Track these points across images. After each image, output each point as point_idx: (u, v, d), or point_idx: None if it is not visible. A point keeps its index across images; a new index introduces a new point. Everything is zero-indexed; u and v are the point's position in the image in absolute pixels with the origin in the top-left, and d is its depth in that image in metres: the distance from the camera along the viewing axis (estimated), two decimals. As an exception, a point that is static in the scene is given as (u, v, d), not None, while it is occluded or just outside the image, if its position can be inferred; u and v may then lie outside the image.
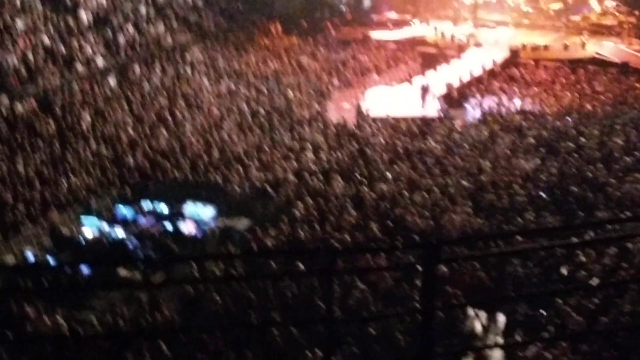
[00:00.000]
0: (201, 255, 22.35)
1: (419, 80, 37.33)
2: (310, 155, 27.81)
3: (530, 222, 21.56)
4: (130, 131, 30.04)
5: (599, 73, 37.45)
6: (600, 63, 38.88)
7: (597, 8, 44.28)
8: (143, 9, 39.99)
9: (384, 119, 32.41)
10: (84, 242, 23.39)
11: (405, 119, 32.04)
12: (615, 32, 42.79)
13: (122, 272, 20.14)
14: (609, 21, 43.56)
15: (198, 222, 24.20)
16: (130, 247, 22.98)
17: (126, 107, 32.37)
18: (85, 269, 19.29)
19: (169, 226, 24.03)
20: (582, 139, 27.70)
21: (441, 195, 23.83)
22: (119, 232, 23.57)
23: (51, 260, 22.48)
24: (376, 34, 45.04)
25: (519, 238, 17.81)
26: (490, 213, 22.77)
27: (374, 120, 32.30)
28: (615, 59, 39.27)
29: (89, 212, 25.12)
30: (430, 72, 38.83)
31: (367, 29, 45.91)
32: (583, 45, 40.87)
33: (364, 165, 26.62)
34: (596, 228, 18.12)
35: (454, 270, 18.40)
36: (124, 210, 24.71)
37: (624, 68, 37.69)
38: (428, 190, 24.24)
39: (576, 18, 44.69)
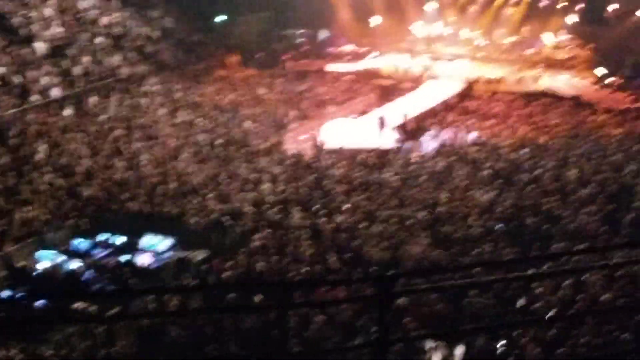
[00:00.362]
0: (157, 288, 22.16)
1: (375, 112, 37.55)
2: (267, 186, 27.79)
3: (487, 254, 21.69)
4: (86, 162, 29.81)
5: (553, 106, 37.89)
6: (554, 96, 39.37)
7: (550, 42, 44.87)
8: (99, 40, 39.84)
9: (341, 150, 32.52)
10: (39, 275, 23.09)
11: (362, 151, 32.16)
12: (568, 66, 43.38)
13: (78, 305, 19.89)
14: (562, 55, 44.18)
15: (154, 254, 24.04)
16: (86, 279, 22.73)
17: (82, 137, 32.14)
18: (40, 302, 19.04)
19: (125, 258, 23.83)
20: (538, 171, 27.99)
21: (398, 226, 23.91)
22: (75, 265, 23.32)
23: (6, 294, 22.17)
24: (333, 67, 45.28)
25: (476, 270, 17.89)
26: (448, 245, 22.88)
27: (331, 151, 32.39)
28: (569, 92, 39.80)
29: (44, 244, 24.84)
30: (386, 104, 39.04)
31: (324, 62, 46.14)
32: (537, 78, 41.39)
33: (321, 196, 26.64)
34: (552, 260, 18.28)
35: (412, 301, 18.42)
36: (80, 243, 24.48)
37: (578, 101, 38.19)
38: (385, 221, 24.32)
39: (530, 52, 45.26)
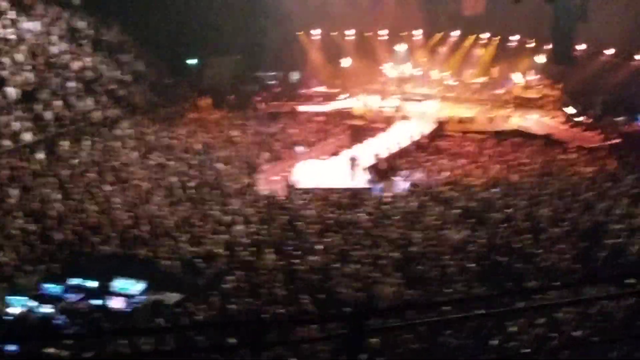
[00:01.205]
0: (130, 329, 21.97)
1: (347, 153, 37.72)
2: (240, 227, 27.76)
3: (460, 293, 21.73)
4: (58, 206, 29.66)
5: (524, 145, 38.20)
6: (525, 135, 39.70)
7: (520, 82, 45.30)
8: (71, 84, 39.82)
9: (313, 191, 32.61)
10: (10, 320, 22.85)
11: (334, 191, 32.26)
12: (538, 105, 43.76)
13: (50, 350, 19.67)
14: (532, 94, 44.55)
15: (127, 297, 23.86)
16: (58, 324, 22.52)
17: (54, 181, 32.00)
18: (11, 348, 18.82)
19: (97, 302, 23.64)
20: (510, 210, 28.15)
21: (372, 266, 23.93)
22: (47, 310, 23.10)
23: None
24: (304, 108, 45.45)
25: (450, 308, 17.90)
26: (421, 284, 22.90)
27: (303, 192, 32.46)
28: (539, 131, 40.15)
29: (15, 289, 24.61)
30: (358, 145, 39.22)
31: (296, 103, 46.33)
32: (507, 117, 41.74)
33: (294, 237, 26.63)
34: (526, 296, 18.32)
35: (386, 341, 18.40)
36: (52, 287, 24.26)
37: (548, 140, 38.51)
38: (359, 261, 24.33)
39: (500, 91, 45.64)
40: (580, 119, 40.92)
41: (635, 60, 41.95)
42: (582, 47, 43.65)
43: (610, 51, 42.78)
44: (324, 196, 31.70)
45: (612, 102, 41.64)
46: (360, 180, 34.68)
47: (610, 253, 24.30)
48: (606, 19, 41.41)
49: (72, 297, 24.04)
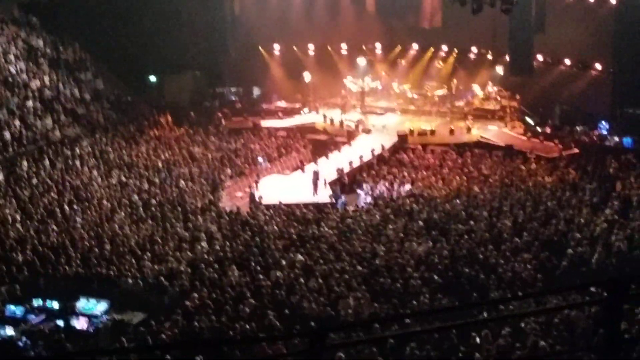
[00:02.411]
0: (93, 350, 21.78)
1: (310, 167, 37.74)
2: (204, 245, 27.65)
3: (424, 305, 21.78)
4: (19, 227, 29.36)
5: (485, 156, 38.42)
6: (486, 146, 39.93)
7: (480, 93, 45.56)
8: (30, 103, 39.49)
9: (277, 206, 32.58)
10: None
11: (298, 206, 32.26)
12: (498, 116, 44.05)
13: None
14: (492, 106, 44.83)
15: (90, 318, 23.66)
16: (21, 346, 22.27)
17: (14, 202, 31.69)
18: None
19: (60, 323, 23.42)
20: (472, 221, 28.29)
21: (336, 281, 23.93)
22: (9, 331, 22.84)
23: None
24: (267, 123, 45.40)
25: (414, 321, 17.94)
26: (385, 297, 22.94)
27: (267, 207, 32.42)
28: (500, 142, 40.41)
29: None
30: (321, 159, 39.25)
31: (258, 118, 46.25)
32: (468, 129, 41.94)
33: (258, 253, 26.57)
34: (489, 307, 18.40)
35: (351, 357, 18.38)
36: (14, 309, 24.01)
37: (509, 151, 38.77)
38: (323, 276, 24.32)
39: (460, 103, 45.86)
40: (540, 129, 41.23)
41: (592, 70, 42.38)
42: (540, 58, 43.99)
43: (568, 62, 43.18)
44: (288, 211, 31.70)
45: (571, 112, 42.00)
46: (324, 194, 34.69)
47: (572, 262, 24.49)
48: (563, 29, 41.81)
49: (35, 318, 23.80)
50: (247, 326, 21.40)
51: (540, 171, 35.37)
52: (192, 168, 37.36)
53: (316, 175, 35.51)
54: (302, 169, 37.99)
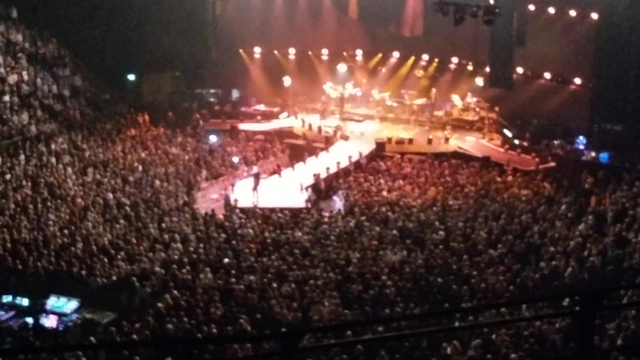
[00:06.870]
0: (60, 346, 21.64)
1: (287, 172, 37.66)
2: (177, 246, 27.52)
3: (397, 313, 21.77)
4: (-10, 222, 29.14)
5: (462, 167, 38.45)
6: (463, 157, 39.98)
7: (459, 104, 45.61)
8: (6, 98, 39.19)
9: (252, 209, 32.48)
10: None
11: (273, 210, 32.17)
12: (476, 127, 44.12)
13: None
14: (470, 116, 44.87)
15: (60, 316, 23.49)
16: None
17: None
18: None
19: (30, 320, 23.23)
20: (447, 231, 28.33)
21: (309, 286, 23.90)
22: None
23: None
24: (245, 126, 45.28)
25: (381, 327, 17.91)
26: (358, 304, 22.93)
27: (242, 211, 32.30)
28: (477, 153, 40.48)
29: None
30: (298, 164, 39.17)
31: (236, 121, 46.11)
32: (446, 139, 41.98)
33: (232, 256, 26.51)
34: (460, 315, 18.43)
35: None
36: (-18, 305, 23.81)
37: (486, 162, 38.82)
38: (296, 281, 24.29)
39: (439, 113, 45.91)
40: (518, 141, 41.34)
41: (572, 84, 42.54)
42: (520, 70, 44.11)
43: (548, 75, 43.32)
44: (263, 215, 31.63)
45: (549, 125, 42.15)
46: (300, 199, 34.62)
47: (545, 275, 24.56)
48: (544, 43, 41.94)
49: (3, 314, 23.61)
50: (219, 329, 21.32)
51: (516, 183, 35.43)
52: (169, 169, 37.14)
53: (293, 180, 35.43)
54: (279, 173, 37.90)
